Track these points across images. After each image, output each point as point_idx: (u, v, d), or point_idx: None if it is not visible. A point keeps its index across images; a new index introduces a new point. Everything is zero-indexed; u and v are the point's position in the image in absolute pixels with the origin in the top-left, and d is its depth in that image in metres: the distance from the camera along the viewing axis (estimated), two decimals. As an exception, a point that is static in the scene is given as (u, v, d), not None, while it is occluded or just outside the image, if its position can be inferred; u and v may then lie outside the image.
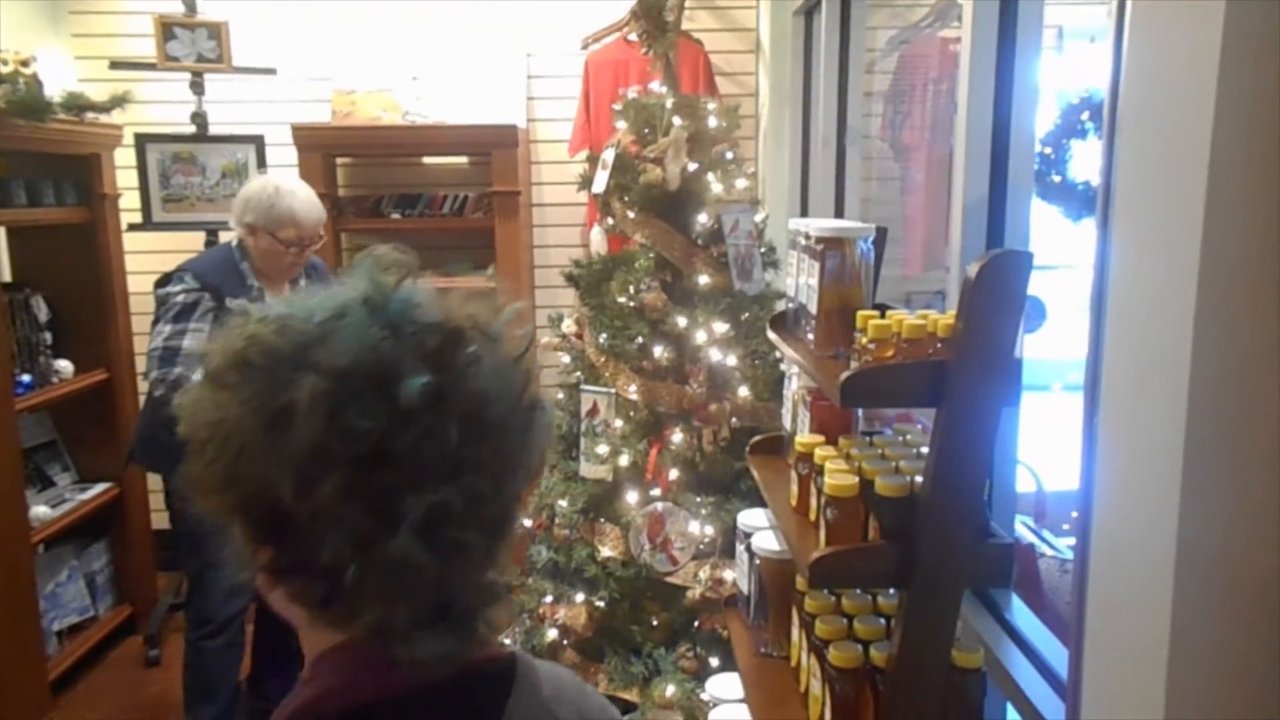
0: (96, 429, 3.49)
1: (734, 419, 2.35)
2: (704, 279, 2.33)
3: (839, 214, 2.72)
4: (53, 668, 3.11)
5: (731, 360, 2.33)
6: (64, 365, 3.31)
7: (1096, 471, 1.06)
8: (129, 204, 3.47)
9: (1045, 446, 2.76)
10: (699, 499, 2.31)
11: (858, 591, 1.51)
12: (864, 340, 1.28)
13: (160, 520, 3.76)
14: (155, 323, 2.46)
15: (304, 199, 2.50)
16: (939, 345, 1.24)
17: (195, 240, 3.52)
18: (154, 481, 3.70)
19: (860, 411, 1.58)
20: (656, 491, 2.35)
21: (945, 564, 1.20)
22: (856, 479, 1.29)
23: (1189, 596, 0.92)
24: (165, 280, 2.52)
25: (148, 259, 3.71)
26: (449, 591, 0.71)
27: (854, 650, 1.32)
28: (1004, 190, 1.79)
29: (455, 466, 0.66)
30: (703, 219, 2.36)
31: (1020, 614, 1.78)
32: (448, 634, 0.71)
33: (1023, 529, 2.76)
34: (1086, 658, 1.16)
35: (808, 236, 1.51)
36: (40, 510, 3.13)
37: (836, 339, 1.45)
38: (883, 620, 1.41)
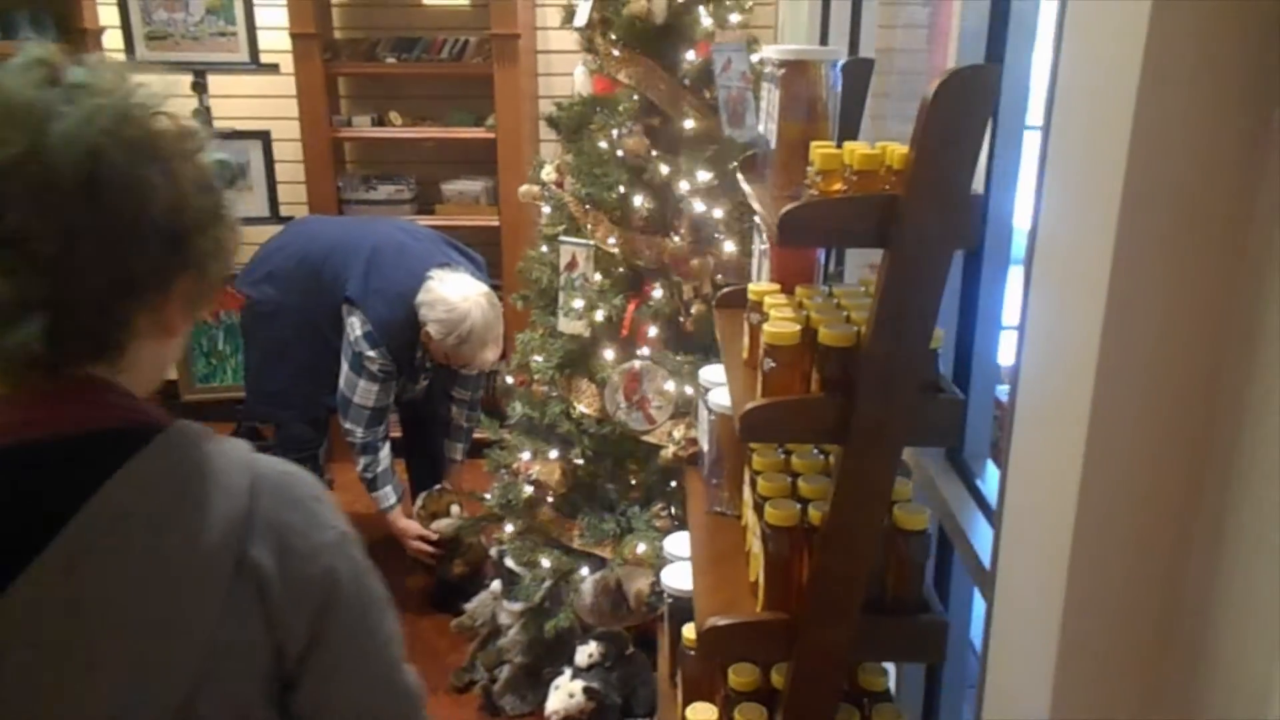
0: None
1: (718, 275, 2.23)
2: (690, 123, 2.18)
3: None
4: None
5: (718, 213, 2.20)
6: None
7: (1029, 314, 0.97)
8: (113, 44, 3.34)
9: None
10: (679, 357, 2.22)
11: (814, 451, 1.44)
12: (812, 173, 1.15)
13: (164, 369, 3.79)
14: (356, 371, 2.71)
15: (489, 345, 2.68)
16: (894, 179, 1.11)
17: (182, 106, 3.40)
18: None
19: (822, 258, 1.46)
20: (645, 350, 2.27)
21: (884, 418, 1.11)
22: (798, 327, 1.19)
23: (1105, 416, 0.88)
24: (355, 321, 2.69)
25: (139, 102, 3.60)
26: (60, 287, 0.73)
27: (790, 508, 1.24)
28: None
29: None
30: (691, 57, 2.19)
31: (993, 481, 1.70)
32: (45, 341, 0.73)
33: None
34: (1009, 484, 1.11)
35: (773, 63, 1.36)
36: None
37: (795, 177, 1.32)
38: (829, 479, 1.34)
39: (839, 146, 1.20)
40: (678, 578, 1.69)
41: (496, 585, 2.48)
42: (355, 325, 2.68)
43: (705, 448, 1.67)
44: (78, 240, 0.72)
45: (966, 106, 1.00)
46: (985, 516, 1.60)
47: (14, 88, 0.74)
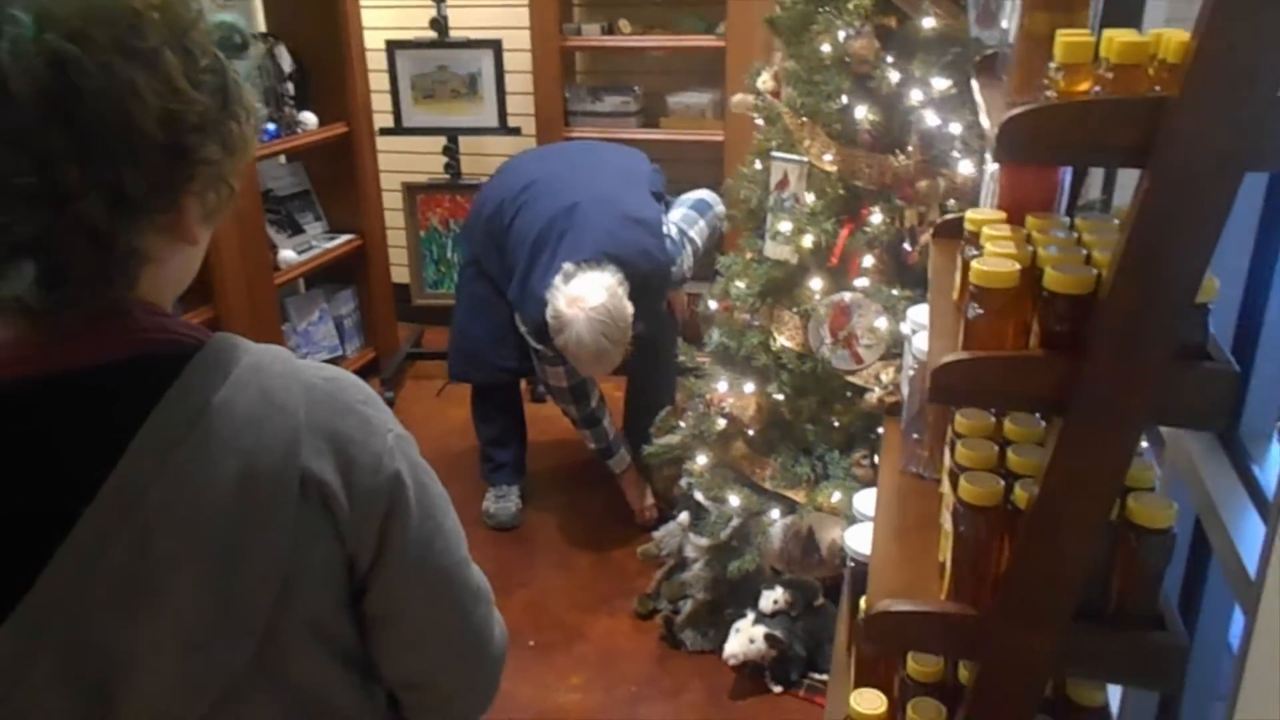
0: (341, 182, 3.66)
1: (950, 200, 1.96)
2: (930, 22, 1.88)
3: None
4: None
5: (955, 128, 1.91)
6: (308, 117, 3.44)
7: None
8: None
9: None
10: (895, 291, 1.99)
11: (1036, 416, 1.19)
12: (1053, 69, 0.90)
13: (399, 275, 3.98)
14: (536, 357, 2.69)
15: (584, 363, 2.46)
16: (1166, 78, 0.84)
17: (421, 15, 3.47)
18: (394, 237, 3.87)
19: (1068, 180, 1.19)
20: (859, 282, 2.05)
21: (1121, 388, 0.87)
22: (1016, 266, 0.96)
23: None
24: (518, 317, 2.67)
25: (380, 14, 3.72)
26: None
27: (991, 484, 1.03)
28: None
29: None
30: (938, -57, 1.88)
31: (1275, 468, 1.37)
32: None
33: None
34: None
35: (1021, -68, 1.09)
36: (287, 254, 3.37)
37: (1038, 79, 1.06)
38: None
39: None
40: (862, 540, 1.50)
41: (685, 517, 2.39)
42: (519, 320, 2.65)
43: (906, 397, 1.46)
44: (54, 169, 0.62)
45: (1284, -31, 0.72)
46: (1259, 514, 1.29)
47: None
